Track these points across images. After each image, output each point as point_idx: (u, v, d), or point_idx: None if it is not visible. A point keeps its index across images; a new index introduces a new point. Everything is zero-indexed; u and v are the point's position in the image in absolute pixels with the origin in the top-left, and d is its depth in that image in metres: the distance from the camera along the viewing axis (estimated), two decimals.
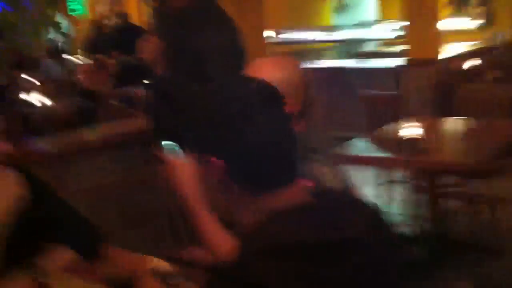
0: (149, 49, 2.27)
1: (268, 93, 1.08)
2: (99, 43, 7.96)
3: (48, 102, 6.15)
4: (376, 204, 1.14)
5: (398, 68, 6.71)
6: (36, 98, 5.87)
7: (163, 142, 1.70)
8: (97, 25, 8.84)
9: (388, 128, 3.96)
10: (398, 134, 3.28)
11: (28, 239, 1.65)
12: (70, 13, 11.26)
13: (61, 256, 1.67)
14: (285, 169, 1.06)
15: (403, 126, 3.28)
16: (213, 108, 1.05)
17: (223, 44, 2.34)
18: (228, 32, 2.40)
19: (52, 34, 8.59)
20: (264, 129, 1.03)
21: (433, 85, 6.47)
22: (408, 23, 6.75)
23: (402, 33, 7.10)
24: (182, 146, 1.44)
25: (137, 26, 8.33)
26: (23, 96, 5.85)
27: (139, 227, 3.11)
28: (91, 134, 3.71)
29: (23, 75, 7.90)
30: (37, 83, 7.12)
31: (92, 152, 3.16)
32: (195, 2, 2.34)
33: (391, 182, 4.42)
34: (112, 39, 7.64)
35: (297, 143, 1.09)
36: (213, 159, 1.03)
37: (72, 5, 11.99)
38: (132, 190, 3.18)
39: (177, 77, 2.29)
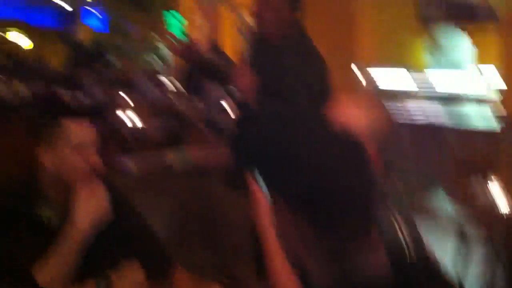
0: (242, 77, 2.34)
1: (353, 143, 1.09)
2: (191, 69, 8.32)
3: (141, 121, 6.50)
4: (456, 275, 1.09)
5: (494, 124, 6.44)
6: (130, 117, 6.23)
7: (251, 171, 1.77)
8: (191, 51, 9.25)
9: (473, 180, 3.85)
10: (485, 193, 3.18)
11: (105, 252, 1.75)
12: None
13: (133, 273, 1.74)
14: (361, 218, 1.05)
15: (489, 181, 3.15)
16: (295, 153, 1.04)
17: (312, 77, 2.39)
18: (317, 66, 2.45)
19: (150, 57, 9.10)
20: (346, 177, 1.02)
21: None
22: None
23: (499, 85, 6.83)
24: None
25: (226, 54, 8.69)
26: (118, 114, 6.23)
27: (211, 253, 3.21)
28: (177, 156, 3.87)
29: (121, 94, 8.39)
30: (132, 103, 7.53)
31: (176, 175, 3.29)
32: (288, 36, 2.42)
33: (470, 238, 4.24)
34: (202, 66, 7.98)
35: (376, 191, 1.09)
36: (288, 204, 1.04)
37: (174, 32, 12.60)
38: (208, 216, 3.29)
39: (266, 107, 2.35)
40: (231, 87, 2.42)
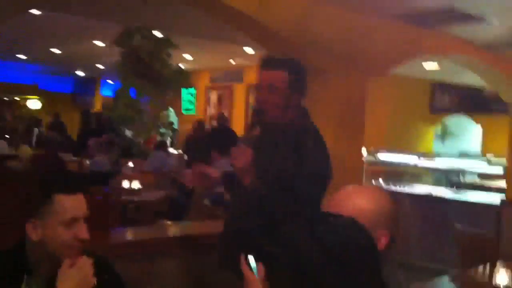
0: (241, 157, 2.34)
1: (362, 239, 1.09)
2: (197, 142, 8.48)
3: (147, 193, 6.48)
4: None
5: (498, 206, 6.42)
6: (136, 187, 6.22)
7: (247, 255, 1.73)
8: (198, 125, 9.45)
9: (480, 270, 3.76)
10: (490, 279, 3.09)
11: None
12: (184, 112, 12.03)
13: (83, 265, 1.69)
14: None
15: (496, 271, 3.08)
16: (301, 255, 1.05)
17: (312, 166, 2.39)
18: (318, 155, 2.44)
19: (163, 129, 9.22)
20: (356, 276, 1.02)
21: None
22: (508, 161, 6.55)
23: (503, 169, 6.84)
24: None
25: (231, 129, 8.88)
26: (125, 184, 6.23)
27: None
28: (179, 230, 3.82)
29: (129, 164, 8.42)
30: (139, 173, 7.55)
31: (176, 249, 3.23)
32: (293, 123, 2.43)
33: None
34: (208, 139, 8.17)
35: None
36: None
37: (185, 105, 12.86)
38: None
39: (263, 191, 2.35)
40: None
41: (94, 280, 1.71)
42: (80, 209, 1.74)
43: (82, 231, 1.72)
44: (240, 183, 2.38)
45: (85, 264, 1.71)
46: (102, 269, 1.86)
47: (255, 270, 1.67)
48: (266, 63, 2.45)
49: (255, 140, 2.42)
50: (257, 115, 2.47)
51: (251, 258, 1.70)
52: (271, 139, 2.44)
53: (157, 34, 3.04)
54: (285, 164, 2.35)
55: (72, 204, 1.73)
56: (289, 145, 2.39)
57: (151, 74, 2.68)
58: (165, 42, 2.73)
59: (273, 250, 1.13)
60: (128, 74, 2.70)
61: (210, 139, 8.08)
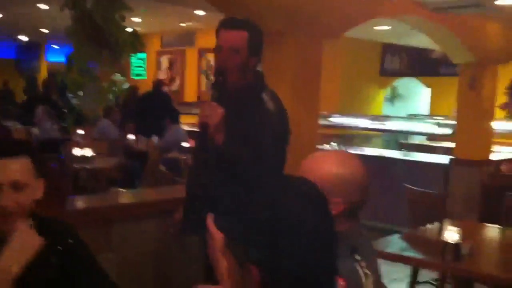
0: (212, 114, 2.32)
1: (315, 200, 1.09)
2: (131, 106, 8.45)
3: (99, 160, 6.37)
4: None
5: (446, 166, 6.65)
6: (88, 155, 6.10)
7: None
8: (131, 91, 9.41)
9: (429, 228, 3.90)
10: (438, 236, 3.21)
11: None
12: (133, 77, 11.80)
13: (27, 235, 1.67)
14: (323, 274, 1.06)
15: (444, 228, 3.20)
16: (257, 215, 1.06)
17: (270, 124, 2.41)
18: (276, 114, 2.47)
19: (111, 95, 9.02)
20: (306, 238, 1.03)
21: (481, 188, 6.36)
22: (458, 121, 6.75)
23: (452, 130, 7.05)
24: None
25: (166, 94, 8.95)
26: (76, 151, 6.09)
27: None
28: (135, 197, 3.79)
29: (79, 131, 8.24)
30: (90, 140, 7.40)
31: (133, 216, 3.21)
32: (246, 87, 2.45)
33: (424, 283, 4.29)
34: (140, 103, 8.17)
35: (336, 247, 1.09)
36: (252, 267, 1.03)
37: (136, 70, 12.60)
38: (168, 259, 3.20)
39: (232, 149, 2.36)
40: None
41: (38, 240, 1.67)
42: (2, 175, 1.68)
43: (24, 197, 1.67)
44: (211, 142, 2.35)
45: (23, 228, 1.67)
46: (65, 234, 1.84)
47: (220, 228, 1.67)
48: (227, 23, 2.43)
49: (217, 101, 2.40)
50: (219, 75, 2.44)
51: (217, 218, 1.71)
52: (233, 100, 2.43)
53: None
54: (249, 124, 2.36)
55: (13, 167, 1.67)
56: (251, 106, 2.41)
57: (105, 38, 2.59)
58: (119, 4, 2.63)
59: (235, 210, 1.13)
60: (81, 39, 2.60)
61: (141, 104, 8.08)
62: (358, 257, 1.59)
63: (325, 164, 1.65)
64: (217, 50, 2.45)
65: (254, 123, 2.39)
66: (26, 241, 1.66)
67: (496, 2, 5.12)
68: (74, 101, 9.09)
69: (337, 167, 1.65)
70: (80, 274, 1.83)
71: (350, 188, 1.65)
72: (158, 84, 9.20)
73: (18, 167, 1.70)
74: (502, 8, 5.29)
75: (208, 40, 8.54)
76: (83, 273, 1.84)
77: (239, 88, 2.45)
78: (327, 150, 1.86)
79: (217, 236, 1.71)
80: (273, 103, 2.48)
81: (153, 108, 7.97)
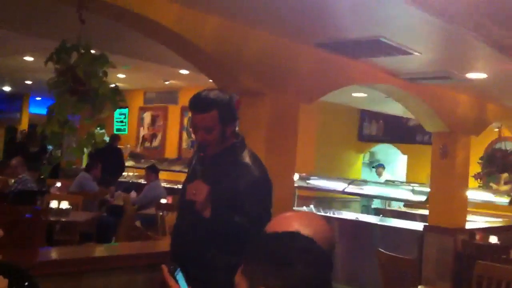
0: (199, 192, 2.45)
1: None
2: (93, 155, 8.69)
3: (75, 213, 6.33)
4: None
5: (421, 232, 6.72)
6: (64, 207, 6.06)
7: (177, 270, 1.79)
8: (113, 137, 9.81)
9: None
10: None
11: None
12: (114, 132, 11.86)
13: None
14: None
15: None
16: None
17: (257, 189, 2.51)
18: (257, 174, 2.56)
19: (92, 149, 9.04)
20: None
21: (454, 255, 6.42)
22: (431, 188, 6.88)
23: (426, 197, 7.17)
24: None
25: (117, 149, 9.43)
26: (52, 204, 6.05)
27: None
28: (107, 251, 3.77)
29: (57, 184, 8.20)
30: (67, 193, 7.36)
31: (103, 269, 3.19)
32: (226, 151, 2.56)
33: None
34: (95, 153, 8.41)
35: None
36: None
37: (117, 125, 12.70)
38: None
39: (223, 217, 2.46)
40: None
41: (4, 282, 1.69)
42: None
43: None
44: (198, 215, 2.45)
45: None
46: (21, 278, 1.85)
47: (181, 281, 1.73)
48: (196, 107, 2.54)
49: (200, 172, 2.53)
50: (201, 151, 2.60)
51: (177, 269, 1.76)
52: (212, 170, 2.55)
53: (92, 52, 3.03)
54: (235, 191, 2.47)
55: None
56: (234, 171, 2.51)
57: (87, 92, 2.66)
58: (102, 60, 2.72)
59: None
60: (63, 91, 2.67)
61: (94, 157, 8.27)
62: None
63: (290, 228, 1.66)
64: (193, 129, 2.60)
65: (239, 188, 2.50)
66: None
67: (466, 75, 5.36)
68: (54, 153, 9.13)
69: (303, 229, 1.64)
70: None
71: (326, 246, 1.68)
72: (113, 138, 9.48)
73: None
74: (472, 80, 5.53)
75: None
76: None
77: (220, 154, 2.57)
78: (294, 212, 1.88)
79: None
80: (256, 166, 2.59)
81: (104, 161, 8.15)
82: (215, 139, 2.54)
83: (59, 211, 6.00)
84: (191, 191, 2.49)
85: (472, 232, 6.74)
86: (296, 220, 1.73)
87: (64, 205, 6.08)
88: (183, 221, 2.70)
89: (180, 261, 2.55)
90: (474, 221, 7.52)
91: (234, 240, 2.42)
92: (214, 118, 2.51)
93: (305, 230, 1.66)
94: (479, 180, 8.69)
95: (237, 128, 2.68)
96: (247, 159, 2.58)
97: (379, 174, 11.04)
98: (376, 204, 10.14)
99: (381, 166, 11.28)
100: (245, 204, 2.47)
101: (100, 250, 3.77)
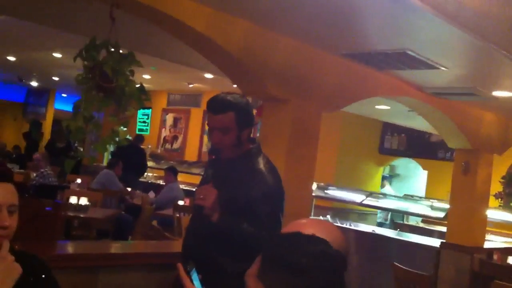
0: (208, 197, 2.45)
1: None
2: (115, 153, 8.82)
3: (93, 210, 6.39)
4: None
5: (437, 249, 6.65)
6: (83, 203, 6.13)
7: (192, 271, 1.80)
8: (137, 137, 9.92)
9: None
10: None
11: None
12: (138, 132, 11.97)
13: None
14: None
15: None
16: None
17: (269, 197, 2.50)
18: (271, 182, 2.55)
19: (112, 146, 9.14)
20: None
21: (470, 274, 6.33)
22: (450, 205, 6.80)
23: (445, 214, 7.09)
24: None
25: (140, 149, 9.51)
26: (72, 199, 6.13)
27: None
28: (123, 248, 3.80)
29: (77, 180, 8.30)
30: (87, 189, 7.44)
31: (120, 266, 3.21)
32: (241, 157, 2.56)
33: None
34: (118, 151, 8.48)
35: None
36: None
37: (140, 125, 12.81)
38: None
39: (231, 222, 2.46)
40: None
41: (19, 269, 1.71)
42: (4, 197, 1.74)
43: (2, 218, 1.72)
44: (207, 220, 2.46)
45: (6, 252, 1.72)
46: (39, 268, 1.87)
47: (196, 282, 1.74)
48: (213, 108, 2.54)
49: (212, 177, 2.54)
50: (214, 154, 2.60)
51: (192, 269, 1.78)
52: (230, 171, 2.55)
53: (120, 50, 3.08)
54: (247, 196, 2.46)
55: None
56: (248, 177, 2.51)
57: (113, 90, 2.70)
58: (130, 59, 2.76)
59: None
60: (90, 87, 2.71)
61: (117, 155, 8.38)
62: None
63: (304, 232, 1.69)
64: (209, 132, 2.59)
65: (252, 195, 2.49)
66: (10, 267, 1.70)
67: (493, 93, 5.30)
68: (78, 149, 9.28)
69: (318, 235, 1.69)
70: None
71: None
72: (137, 139, 9.58)
73: (14, 191, 1.78)
74: (498, 98, 5.47)
75: None
76: None
77: (235, 159, 2.57)
78: (306, 219, 1.86)
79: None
80: (270, 174, 2.58)
81: (127, 160, 8.24)
82: (230, 141, 2.52)
83: (78, 207, 6.07)
84: (199, 196, 2.50)
85: (490, 251, 6.64)
86: (311, 226, 1.73)
87: (83, 201, 6.15)
88: (194, 224, 2.72)
89: (186, 258, 2.57)
90: (493, 241, 7.40)
91: (244, 247, 2.41)
92: (230, 120, 2.50)
93: (320, 235, 1.69)
94: (500, 199, 8.58)
95: (252, 135, 2.68)
96: (261, 166, 2.57)
97: (382, 186, 10.94)
98: (395, 218, 10.06)
99: (387, 178, 11.19)
100: (256, 212, 2.46)
101: (117, 247, 3.80)
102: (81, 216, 6.06)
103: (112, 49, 2.90)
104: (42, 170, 6.97)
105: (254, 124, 2.64)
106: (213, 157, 2.60)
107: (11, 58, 10.30)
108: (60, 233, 3.61)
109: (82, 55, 2.91)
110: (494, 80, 5.03)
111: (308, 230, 1.67)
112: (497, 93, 5.31)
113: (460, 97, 5.65)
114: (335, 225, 1.78)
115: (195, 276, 1.77)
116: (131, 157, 8.61)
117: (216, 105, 2.54)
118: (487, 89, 5.21)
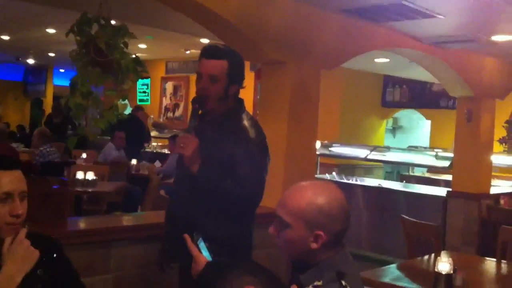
0: (188, 146, 2.40)
1: None
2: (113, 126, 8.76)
3: (101, 184, 6.44)
4: None
5: (444, 198, 6.69)
6: (90, 178, 6.16)
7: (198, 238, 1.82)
8: (136, 108, 9.89)
9: (425, 259, 3.93)
10: (433, 267, 3.23)
11: None
12: (138, 103, 11.93)
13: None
14: None
15: (439, 260, 3.20)
16: None
17: (252, 154, 2.46)
18: (257, 142, 2.52)
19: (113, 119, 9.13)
20: None
21: (478, 221, 6.39)
22: (455, 154, 6.81)
23: (450, 163, 7.10)
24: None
25: (138, 120, 9.33)
26: (79, 175, 6.16)
27: None
28: (134, 220, 3.84)
29: (83, 155, 8.32)
30: (91, 163, 7.47)
31: (132, 238, 3.24)
32: (226, 114, 2.52)
33: None
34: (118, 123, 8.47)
35: None
36: None
37: (140, 96, 12.77)
38: (166, 283, 3.23)
39: (211, 175, 2.42)
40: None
41: (37, 252, 1.74)
42: (15, 185, 1.75)
43: (15, 207, 1.74)
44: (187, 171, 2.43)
45: (23, 238, 1.75)
46: (51, 248, 1.90)
47: (204, 251, 1.77)
48: (208, 53, 2.50)
49: (195, 130, 2.48)
50: (197, 103, 2.52)
51: (199, 239, 1.79)
52: (213, 127, 2.51)
53: (113, 22, 3.03)
54: (228, 152, 2.43)
55: (6, 180, 1.74)
56: (231, 133, 2.48)
57: (109, 64, 2.67)
58: (123, 31, 2.73)
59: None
60: (85, 63, 2.68)
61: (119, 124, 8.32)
62: (344, 283, 1.61)
63: (304, 197, 1.69)
64: (197, 78, 2.53)
65: (234, 151, 2.44)
66: (27, 251, 1.73)
67: (492, 38, 5.24)
68: (78, 125, 9.26)
69: (317, 199, 1.68)
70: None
71: (331, 219, 1.67)
72: (135, 109, 9.52)
73: (22, 178, 1.79)
74: (497, 43, 5.41)
75: None
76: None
77: (219, 115, 2.53)
78: (306, 182, 1.86)
79: (200, 260, 1.80)
80: (254, 130, 2.54)
81: (127, 132, 8.18)
82: (216, 92, 2.47)
83: (85, 182, 6.10)
84: (179, 144, 2.44)
85: (497, 197, 6.69)
86: (310, 189, 1.73)
87: (90, 176, 6.18)
88: (177, 187, 2.68)
89: (173, 223, 2.56)
90: (499, 186, 7.43)
91: (224, 203, 2.40)
92: (222, 68, 2.46)
93: (318, 199, 1.70)
94: (504, 144, 8.59)
95: (239, 95, 2.62)
96: (245, 122, 2.54)
97: None
98: (400, 170, 10.09)
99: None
100: (237, 167, 2.42)
101: (128, 219, 3.84)
102: (89, 190, 6.10)
103: (104, 23, 2.87)
104: (41, 148, 6.94)
105: (243, 86, 2.59)
106: (196, 106, 2.52)
107: (5, 37, 10.22)
108: (69, 209, 3.63)
109: (74, 31, 2.88)
110: (493, 25, 4.97)
111: (307, 195, 1.68)
112: (496, 38, 5.25)
113: (460, 45, 5.60)
114: (334, 185, 1.79)
115: (202, 245, 1.79)
116: (130, 129, 8.56)
117: (212, 50, 2.52)
118: (486, 34, 5.16)
